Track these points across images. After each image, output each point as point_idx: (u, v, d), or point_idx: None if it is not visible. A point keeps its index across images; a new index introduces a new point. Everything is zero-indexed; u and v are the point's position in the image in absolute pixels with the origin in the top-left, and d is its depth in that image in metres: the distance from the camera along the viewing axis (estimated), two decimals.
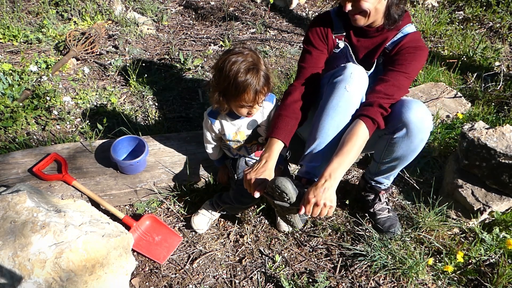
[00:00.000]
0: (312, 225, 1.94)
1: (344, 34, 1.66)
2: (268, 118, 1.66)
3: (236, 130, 1.65)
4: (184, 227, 1.90)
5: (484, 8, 3.72)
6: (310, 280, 1.72)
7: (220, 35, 3.40)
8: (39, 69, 2.69)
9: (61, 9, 3.38)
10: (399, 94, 1.54)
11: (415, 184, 2.11)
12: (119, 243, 1.55)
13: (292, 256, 1.81)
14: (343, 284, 1.71)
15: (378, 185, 1.86)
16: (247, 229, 1.89)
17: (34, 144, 2.22)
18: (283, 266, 1.76)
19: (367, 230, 1.87)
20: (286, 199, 1.32)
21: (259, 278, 1.72)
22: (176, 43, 3.26)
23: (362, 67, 1.55)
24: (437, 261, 1.78)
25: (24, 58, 2.79)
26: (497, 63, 3.06)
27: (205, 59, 3.10)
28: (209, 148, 1.80)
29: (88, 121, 2.25)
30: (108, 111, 2.51)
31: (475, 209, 1.83)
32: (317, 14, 3.52)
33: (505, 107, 2.58)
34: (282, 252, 1.82)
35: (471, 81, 2.86)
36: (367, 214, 1.97)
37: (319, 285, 1.65)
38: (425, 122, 1.49)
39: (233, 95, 1.44)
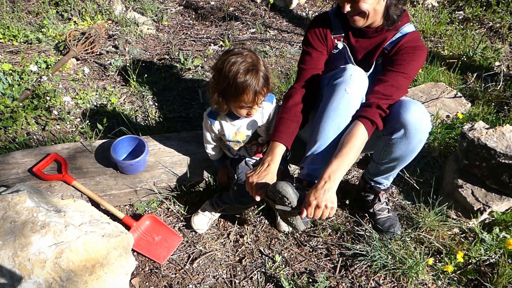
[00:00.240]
0: (312, 225, 1.94)
1: (343, 34, 1.66)
2: (267, 118, 1.66)
3: (236, 131, 1.65)
4: (184, 227, 1.90)
5: (484, 8, 3.72)
6: (310, 280, 1.72)
7: (220, 35, 3.40)
8: (39, 69, 2.69)
9: (61, 9, 3.38)
10: (398, 95, 1.54)
11: (415, 184, 2.11)
12: (119, 243, 1.55)
13: (292, 256, 1.81)
14: (343, 284, 1.71)
15: (378, 185, 1.86)
16: (247, 229, 1.89)
17: (34, 144, 2.22)
18: (283, 266, 1.76)
19: (367, 230, 1.87)
20: (287, 203, 1.33)
21: (259, 278, 1.72)
22: (176, 43, 3.26)
23: (361, 68, 1.55)
24: (437, 261, 1.78)
25: (24, 58, 2.79)
26: (497, 63, 3.06)
27: (205, 59, 3.10)
28: (209, 148, 1.80)
29: (88, 121, 2.25)
30: (108, 111, 2.51)
31: (475, 209, 1.83)
32: (316, 14, 3.52)
33: (505, 107, 2.58)
34: (282, 252, 1.82)
35: (471, 81, 2.86)
36: (367, 214, 1.97)
37: (319, 285, 1.65)
38: (423, 123, 1.50)
39: (233, 96, 1.44)
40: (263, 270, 1.75)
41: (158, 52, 3.16)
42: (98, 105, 2.58)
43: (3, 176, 1.84)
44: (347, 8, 1.50)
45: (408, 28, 1.60)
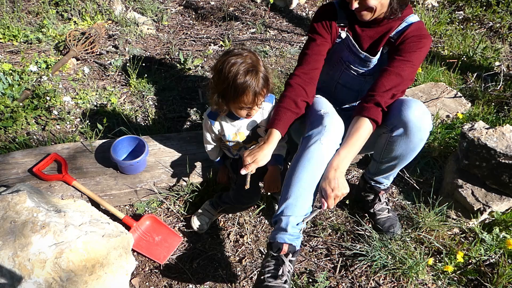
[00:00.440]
0: (312, 225, 1.94)
1: (347, 24, 1.65)
2: (268, 118, 1.66)
3: (236, 131, 1.65)
4: (184, 227, 1.90)
5: (484, 8, 3.72)
6: (310, 280, 1.72)
7: (220, 35, 3.40)
8: (39, 69, 2.69)
9: (61, 9, 3.38)
10: (402, 84, 1.54)
11: (415, 184, 2.11)
12: (119, 243, 1.55)
13: None
14: (343, 284, 1.71)
15: (378, 185, 1.86)
16: (247, 229, 1.89)
17: (34, 144, 2.22)
18: None
19: (367, 230, 1.87)
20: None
21: None
22: (176, 43, 3.26)
23: (339, 117, 1.52)
24: (437, 261, 1.78)
25: (24, 58, 2.79)
26: (497, 63, 3.06)
27: (205, 59, 3.10)
28: (209, 149, 1.80)
29: (88, 121, 2.25)
30: (108, 111, 2.51)
31: (475, 209, 1.83)
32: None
33: (505, 107, 2.58)
34: None
35: (471, 81, 2.86)
36: (367, 214, 1.97)
37: (319, 285, 1.65)
38: (424, 122, 1.50)
39: (232, 97, 1.44)
40: None
41: (158, 52, 3.16)
42: (98, 105, 2.58)
43: (3, 176, 1.84)
44: (355, 5, 1.50)
45: (413, 18, 1.60)
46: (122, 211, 1.90)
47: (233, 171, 1.83)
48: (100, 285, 1.44)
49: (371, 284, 1.71)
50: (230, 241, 1.86)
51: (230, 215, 1.92)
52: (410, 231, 1.88)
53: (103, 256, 1.47)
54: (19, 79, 2.53)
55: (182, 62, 2.95)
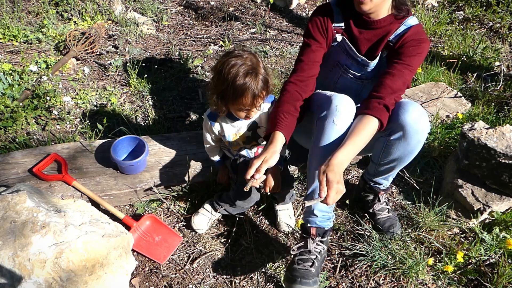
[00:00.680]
0: None
1: (343, 27, 1.63)
2: (266, 118, 1.65)
3: (236, 132, 1.65)
4: (184, 227, 1.90)
5: (484, 8, 3.72)
6: None
7: (220, 35, 3.40)
8: (39, 69, 2.69)
9: (61, 9, 3.38)
10: (404, 89, 1.55)
11: (415, 184, 2.11)
12: (119, 243, 1.55)
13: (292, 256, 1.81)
14: (343, 284, 1.71)
15: (377, 185, 1.86)
16: (247, 229, 1.89)
17: (34, 144, 2.22)
18: (283, 266, 1.76)
19: (367, 230, 1.87)
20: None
21: (259, 278, 1.72)
22: (176, 43, 3.26)
23: (347, 96, 1.53)
24: (437, 261, 1.78)
25: (24, 58, 2.79)
26: (497, 63, 3.06)
27: (205, 59, 3.10)
28: (209, 149, 1.80)
29: (88, 121, 2.25)
30: (108, 111, 2.51)
31: (475, 209, 1.83)
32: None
33: (505, 107, 2.58)
34: (282, 252, 1.82)
35: (471, 81, 2.86)
36: (367, 214, 1.97)
37: (319, 285, 1.65)
38: (421, 124, 1.49)
39: (231, 98, 1.43)
40: (263, 270, 1.75)
41: (158, 52, 3.16)
42: (98, 105, 2.58)
43: (3, 176, 1.84)
44: None
45: (412, 20, 1.58)
46: (122, 211, 1.90)
47: (233, 171, 1.83)
48: (100, 285, 1.44)
49: (371, 284, 1.71)
50: (230, 241, 1.86)
51: (230, 215, 1.92)
52: (410, 231, 1.88)
53: (103, 256, 1.47)
54: (19, 79, 2.53)
55: (182, 62, 2.95)
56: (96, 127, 2.22)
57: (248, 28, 3.53)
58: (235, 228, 1.90)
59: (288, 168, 1.90)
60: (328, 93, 1.58)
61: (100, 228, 1.54)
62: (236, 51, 1.45)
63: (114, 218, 1.76)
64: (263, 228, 1.92)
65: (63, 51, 2.98)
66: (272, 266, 1.76)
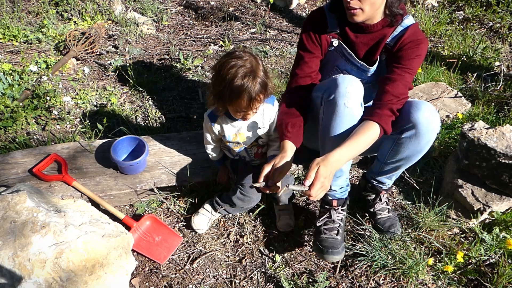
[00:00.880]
0: (312, 225, 1.94)
1: (338, 31, 1.61)
2: (269, 120, 1.65)
3: (236, 132, 1.65)
4: (184, 227, 1.90)
5: (484, 8, 3.72)
6: (310, 280, 1.72)
7: (220, 35, 3.40)
8: (39, 69, 2.69)
9: (61, 9, 3.38)
10: (406, 92, 1.54)
11: (415, 184, 2.11)
12: (119, 243, 1.55)
13: (292, 256, 1.81)
14: (343, 284, 1.71)
15: (380, 185, 1.86)
16: (247, 229, 1.89)
17: (34, 144, 2.22)
18: (283, 266, 1.76)
19: (367, 230, 1.87)
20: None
21: (259, 278, 1.72)
22: (176, 43, 3.26)
23: (353, 76, 1.52)
24: (437, 261, 1.78)
25: (24, 58, 2.79)
26: (497, 63, 3.06)
27: (205, 59, 3.10)
28: (209, 149, 1.80)
29: (88, 121, 2.25)
30: (108, 111, 2.51)
31: (475, 209, 1.83)
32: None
33: (505, 107, 2.58)
34: (282, 252, 1.82)
35: (471, 81, 2.86)
36: (367, 214, 1.97)
37: (319, 285, 1.65)
38: (433, 123, 1.50)
39: (228, 99, 1.43)
40: (263, 270, 1.75)
41: (158, 52, 3.16)
42: (98, 105, 2.58)
43: (3, 176, 1.84)
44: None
45: (408, 20, 1.56)
46: (122, 211, 1.91)
47: (233, 171, 1.83)
48: (100, 285, 1.44)
49: (371, 284, 1.71)
50: (230, 241, 1.86)
51: (230, 215, 1.92)
52: (410, 231, 1.88)
53: (103, 256, 1.47)
54: (19, 79, 2.53)
55: (182, 62, 2.95)
56: (96, 127, 2.22)
57: (248, 28, 3.53)
58: (235, 228, 1.90)
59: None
60: (333, 75, 1.56)
61: (100, 228, 1.54)
62: (237, 52, 1.44)
63: (114, 218, 1.76)
64: (263, 228, 1.92)
65: (63, 51, 2.98)
66: (272, 266, 1.76)
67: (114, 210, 1.79)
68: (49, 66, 2.77)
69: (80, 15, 3.36)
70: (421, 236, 1.85)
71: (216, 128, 1.64)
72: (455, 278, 1.74)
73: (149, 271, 1.74)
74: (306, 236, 1.89)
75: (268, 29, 3.51)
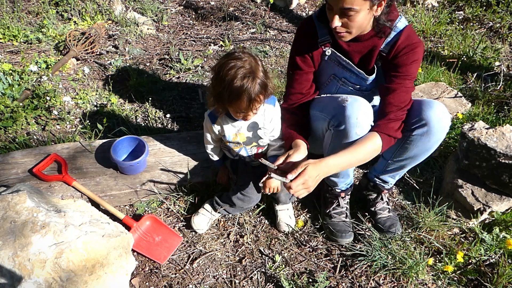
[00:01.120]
0: (312, 225, 1.94)
1: (330, 40, 1.58)
2: (270, 121, 1.64)
3: (236, 132, 1.65)
4: (184, 227, 1.90)
5: (484, 8, 3.72)
6: (310, 280, 1.72)
7: (220, 35, 3.40)
8: (39, 69, 2.69)
9: (61, 9, 3.38)
10: (409, 98, 1.54)
11: (415, 184, 2.11)
12: (119, 243, 1.55)
13: (292, 256, 1.81)
14: (343, 284, 1.71)
15: (382, 183, 1.87)
16: (247, 229, 1.89)
17: (34, 144, 2.22)
18: (283, 266, 1.76)
19: (367, 230, 1.87)
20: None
21: (259, 278, 1.72)
22: (176, 43, 3.26)
23: (360, 99, 1.51)
24: (437, 261, 1.78)
25: (24, 58, 2.79)
26: (497, 63, 3.06)
27: (205, 59, 3.10)
28: (209, 149, 1.80)
29: (88, 121, 2.25)
30: (108, 111, 2.51)
31: (475, 209, 1.83)
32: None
33: (505, 107, 2.58)
34: (282, 252, 1.82)
35: (471, 81, 2.86)
36: (367, 213, 1.97)
37: (319, 285, 1.65)
38: (444, 122, 1.52)
39: (227, 100, 1.42)
40: (263, 270, 1.75)
41: (158, 52, 3.16)
42: (98, 105, 2.58)
43: (3, 176, 1.84)
44: (336, 23, 1.38)
45: (401, 24, 1.50)
46: (122, 211, 1.91)
47: (233, 171, 1.84)
48: (100, 285, 1.44)
49: (371, 284, 1.71)
50: (230, 241, 1.86)
51: (230, 215, 1.92)
52: (410, 231, 1.88)
53: (103, 256, 1.47)
54: (19, 79, 2.53)
55: (182, 62, 2.95)
56: (96, 127, 2.22)
57: (248, 28, 3.53)
58: (235, 228, 1.90)
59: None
60: (338, 97, 1.54)
61: (100, 228, 1.54)
62: (237, 53, 1.43)
63: (114, 218, 1.76)
64: (263, 228, 1.92)
65: (63, 51, 2.98)
66: (272, 266, 1.76)
67: (114, 210, 1.79)
68: (49, 66, 2.77)
69: (80, 15, 3.36)
70: (421, 236, 1.85)
71: (216, 128, 1.64)
72: (455, 278, 1.74)
73: (149, 271, 1.74)
74: (306, 236, 1.90)
75: (268, 29, 3.51)
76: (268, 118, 1.63)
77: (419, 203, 1.96)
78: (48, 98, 2.40)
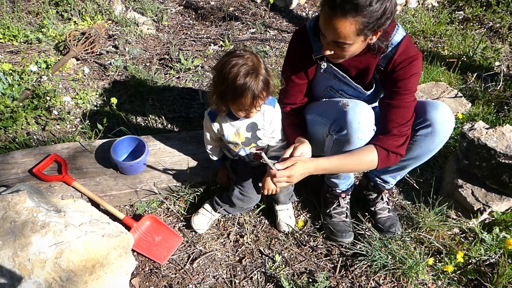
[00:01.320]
0: (312, 225, 1.94)
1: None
2: (269, 122, 1.64)
3: (235, 131, 1.65)
4: (184, 227, 1.90)
5: (484, 8, 3.72)
6: (310, 280, 1.72)
7: (220, 35, 3.40)
8: (39, 69, 2.69)
9: (61, 9, 3.38)
10: (411, 112, 1.51)
11: (415, 184, 2.11)
12: (119, 243, 1.55)
13: (292, 256, 1.81)
14: (343, 284, 1.71)
15: (383, 183, 1.86)
16: (247, 229, 1.89)
17: (34, 144, 2.22)
18: (283, 266, 1.76)
19: (367, 230, 1.87)
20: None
21: (259, 278, 1.72)
22: (176, 43, 3.26)
23: (361, 103, 1.49)
24: (437, 261, 1.78)
25: (24, 58, 2.79)
26: (497, 63, 3.06)
27: (205, 59, 3.10)
28: (209, 149, 1.80)
29: (88, 121, 2.25)
30: (108, 111, 2.51)
31: (475, 209, 1.83)
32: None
33: (505, 107, 2.58)
34: (282, 252, 1.82)
35: (471, 81, 2.86)
36: (367, 213, 1.97)
37: (319, 285, 1.65)
38: (449, 123, 1.51)
39: (231, 98, 1.42)
40: (263, 270, 1.75)
41: (158, 52, 3.16)
42: (98, 105, 2.58)
43: (3, 176, 1.84)
44: (328, 52, 1.38)
45: (398, 36, 1.44)
46: (122, 211, 1.91)
47: (233, 171, 1.84)
48: (100, 285, 1.44)
49: (371, 284, 1.71)
50: (230, 241, 1.86)
51: (230, 215, 1.92)
52: (410, 231, 1.88)
53: (103, 256, 1.47)
54: (19, 79, 2.54)
55: (182, 62, 2.95)
56: (96, 127, 2.22)
57: (248, 28, 3.53)
58: (235, 228, 1.90)
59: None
60: (339, 102, 1.52)
61: (100, 228, 1.54)
62: (238, 51, 1.43)
63: (114, 218, 1.76)
64: (263, 228, 1.92)
65: (63, 51, 2.98)
66: (272, 266, 1.76)
67: (114, 210, 1.79)
68: (49, 66, 2.77)
69: (80, 15, 3.36)
70: (421, 236, 1.85)
71: (216, 126, 1.64)
72: (455, 278, 1.74)
73: (149, 271, 1.74)
74: (306, 236, 1.90)
75: (268, 29, 3.51)
76: (267, 119, 1.63)
77: (419, 203, 1.96)
78: (48, 98, 2.40)
